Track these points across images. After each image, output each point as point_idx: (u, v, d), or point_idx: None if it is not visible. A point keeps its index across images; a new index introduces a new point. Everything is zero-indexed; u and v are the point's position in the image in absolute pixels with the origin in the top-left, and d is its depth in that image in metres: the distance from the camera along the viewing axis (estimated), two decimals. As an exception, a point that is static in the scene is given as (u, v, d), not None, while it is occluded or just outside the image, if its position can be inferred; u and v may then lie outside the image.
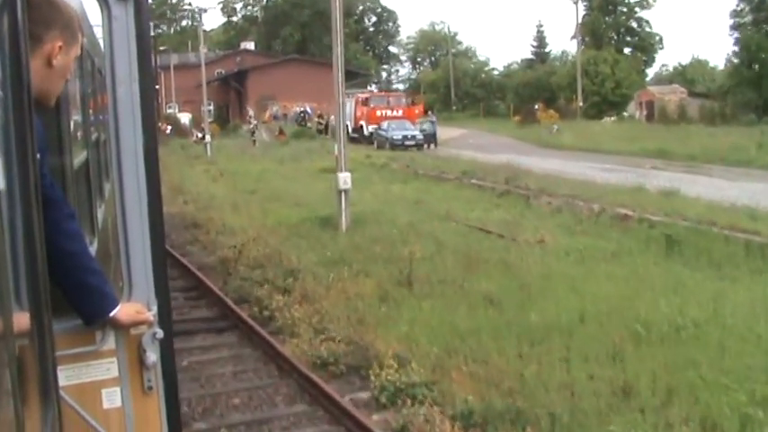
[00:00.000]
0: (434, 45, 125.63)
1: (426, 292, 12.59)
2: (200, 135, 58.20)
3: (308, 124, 65.76)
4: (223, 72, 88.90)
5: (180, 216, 22.18)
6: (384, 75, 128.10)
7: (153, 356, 3.08)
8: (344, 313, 11.75)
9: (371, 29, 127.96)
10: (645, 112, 67.44)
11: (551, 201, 21.70)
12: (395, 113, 55.45)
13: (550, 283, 12.73)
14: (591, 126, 58.95)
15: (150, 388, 3.11)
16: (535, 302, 11.62)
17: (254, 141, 55.01)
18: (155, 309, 3.10)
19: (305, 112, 69.48)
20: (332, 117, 61.27)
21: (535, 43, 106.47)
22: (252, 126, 61.00)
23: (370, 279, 13.59)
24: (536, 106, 72.82)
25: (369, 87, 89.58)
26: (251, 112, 70.24)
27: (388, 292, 12.72)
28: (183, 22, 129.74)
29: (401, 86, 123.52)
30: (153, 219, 3.11)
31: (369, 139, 53.28)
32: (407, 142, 47.47)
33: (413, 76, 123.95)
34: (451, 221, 19.57)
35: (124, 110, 3.06)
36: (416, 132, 49.17)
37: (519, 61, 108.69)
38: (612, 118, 70.58)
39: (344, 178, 18.55)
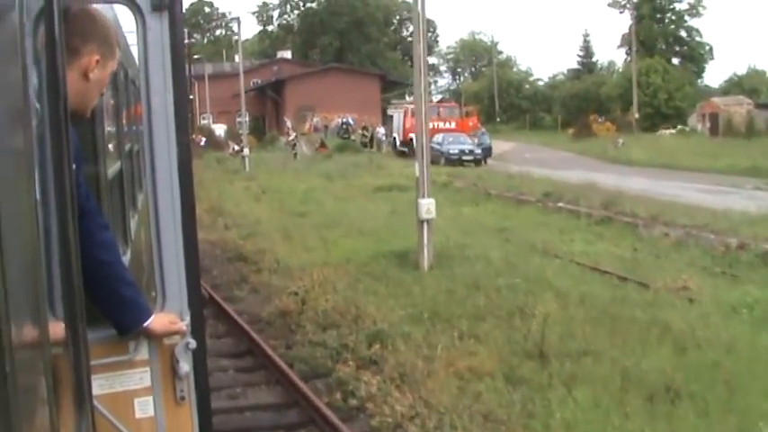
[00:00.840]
0: (475, 56, 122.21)
1: (570, 372, 9.11)
2: (236, 148, 55.14)
3: (352, 137, 61.93)
4: (259, 82, 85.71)
5: (221, 245, 18.83)
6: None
7: (186, 367, 3.06)
8: (463, 403, 8.36)
9: (410, 39, 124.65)
10: (708, 125, 63.20)
11: (668, 231, 18.04)
12: (447, 125, 51.34)
13: (746, 362, 9.17)
14: (655, 140, 54.98)
15: (183, 398, 3.07)
16: (745, 397, 8.10)
17: (295, 154, 51.81)
18: (188, 319, 3.07)
19: (347, 123, 65.70)
20: (377, 129, 57.99)
21: (581, 53, 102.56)
22: (291, 138, 57.88)
23: (483, 347, 10.15)
24: (600, 118, 68.41)
25: (406, 98, 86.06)
26: (289, 124, 67.04)
27: (515, 370, 9.32)
28: (217, 32, 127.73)
29: (438, 98, 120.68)
30: (186, 229, 3.08)
31: (418, 154, 49.70)
32: (465, 157, 43.44)
33: (452, 87, 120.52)
34: (553, 257, 16.05)
35: (158, 120, 3.03)
36: (474, 147, 45.22)
37: (565, 72, 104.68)
38: (670, 130, 66.59)
39: (428, 206, 15.08)
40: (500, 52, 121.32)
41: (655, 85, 77.90)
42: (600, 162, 42.31)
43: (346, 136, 61.91)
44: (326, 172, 37.34)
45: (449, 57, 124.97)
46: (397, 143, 54.54)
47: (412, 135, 52.16)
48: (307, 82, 76.42)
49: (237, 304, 13.29)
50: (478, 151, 44.63)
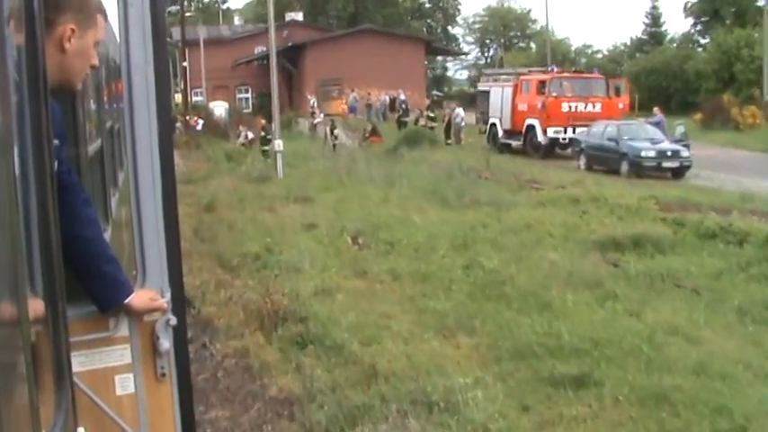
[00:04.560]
0: (504, 25, 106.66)
1: None
2: (250, 135, 39.43)
3: (420, 121, 42.68)
4: (265, 49, 69.66)
5: None
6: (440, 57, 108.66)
7: (166, 343, 3.02)
8: None
9: (428, 5, 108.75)
10: None
11: None
12: (591, 109, 33.96)
13: None
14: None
15: (163, 375, 3.05)
16: None
17: (335, 146, 36.31)
18: (168, 296, 3.03)
19: (404, 102, 48.71)
20: (456, 111, 41.67)
21: (647, 21, 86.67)
22: (320, 120, 42.50)
23: None
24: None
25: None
26: (313, 102, 51.24)
27: None
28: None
29: (465, 72, 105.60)
30: (167, 205, 3.03)
31: (543, 150, 33.98)
32: (667, 164, 26.40)
33: (480, 61, 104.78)
34: None
35: (139, 97, 2.97)
36: (675, 145, 27.48)
37: (628, 43, 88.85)
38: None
39: None
40: (533, 20, 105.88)
41: (759, 59, 62.58)
42: None
43: (405, 119, 44.80)
44: (426, 186, 21.51)
45: (475, 26, 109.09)
46: (499, 133, 37.49)
47: (532, 121, 35.70)
48: (332, 48, 59.83)
49: None
50: (686, 154, 27.14)
